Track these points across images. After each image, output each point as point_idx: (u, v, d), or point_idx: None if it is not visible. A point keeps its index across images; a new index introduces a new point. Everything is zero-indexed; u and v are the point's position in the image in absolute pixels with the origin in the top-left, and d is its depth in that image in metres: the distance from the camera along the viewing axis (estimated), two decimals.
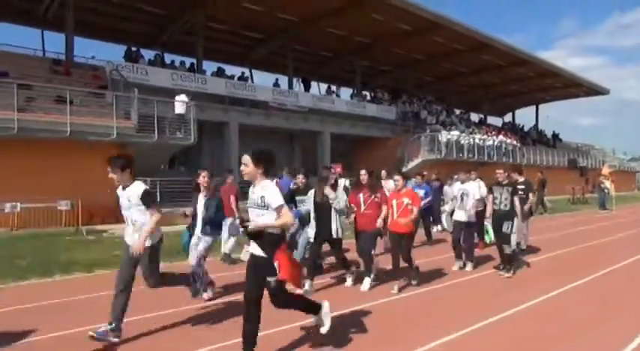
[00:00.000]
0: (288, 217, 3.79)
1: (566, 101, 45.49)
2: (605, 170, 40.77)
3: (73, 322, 4.86)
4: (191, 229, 6.30)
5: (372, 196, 6.65)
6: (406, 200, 6.42)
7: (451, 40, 27.65)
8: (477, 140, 28.74)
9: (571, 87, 39.14)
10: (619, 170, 41.60)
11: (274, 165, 4.04)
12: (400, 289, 6.31)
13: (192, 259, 6.07)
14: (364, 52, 28.67)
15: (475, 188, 8.01)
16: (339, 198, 6.41)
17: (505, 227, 7.27)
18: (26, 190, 12.24)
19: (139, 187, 4.52)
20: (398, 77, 34.10)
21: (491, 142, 29.48)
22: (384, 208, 6.57)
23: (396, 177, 6.62)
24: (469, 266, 7.88)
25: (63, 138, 13.15)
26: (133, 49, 21.05)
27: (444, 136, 26.27)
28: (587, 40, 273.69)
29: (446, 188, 12.21)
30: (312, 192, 6.68)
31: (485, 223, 8.37)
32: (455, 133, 27.98)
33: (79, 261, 8.55)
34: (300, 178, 7.72)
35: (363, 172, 6.86)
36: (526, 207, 8.78)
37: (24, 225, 12.46)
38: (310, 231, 6.60)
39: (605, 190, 21.70)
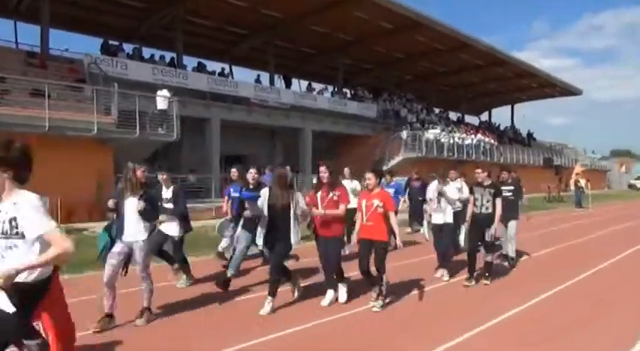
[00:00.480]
0: (60, 243, 2.51)
1: (538, 101, 46.53)
2: (578, 169, 42.02)
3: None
4: (117, 231, 5.09)
5: (330, 194, 5.68)
6: (376, 202, 5.46)
7: (432, 39, 27.84)
8: (456, 139, 29.03)
9: (546, 87, 39.93)
10: (591, 169, 42.71)
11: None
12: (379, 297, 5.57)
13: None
14: (347, 49, 28.63)
15: (454, 190, 7.40)
16: (299, 202, 5.59)
17: (487, 234, 6.68)
18: None
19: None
20: (379, 75, 34.20)
21: (470, 141, 29.82)
22: (342, 207, 5.66)
23: (368, 175, 5.64)
24: (442, 273, 7.19)
25: (41, 133, 12.68)
26: (111, 42, 20.47)
27: (425, 134, 26.43)
28: (559, 41, 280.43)
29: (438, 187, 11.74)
30: (265, 191, 5.73)
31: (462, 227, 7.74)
32: (435, 131, 28.23)
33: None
34: (253, 174, 6.79)
35: (322, 168, 5.79)
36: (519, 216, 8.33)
37: None
38: (259, 239, 5.71)
39: (581, 189, 22.17)
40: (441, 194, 7.12)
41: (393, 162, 25.56)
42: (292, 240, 5.47)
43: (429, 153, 26.23)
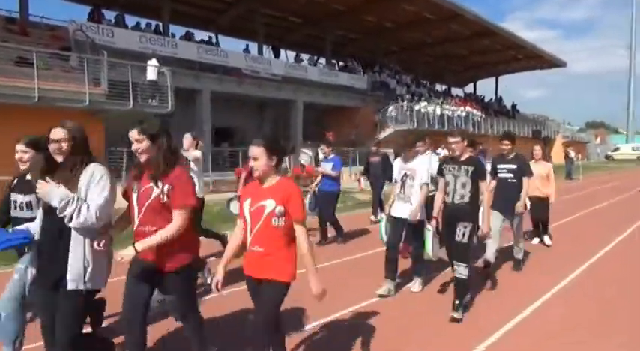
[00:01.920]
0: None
1: (515, 74, 46.69)
2: (559, 140, 42.57)
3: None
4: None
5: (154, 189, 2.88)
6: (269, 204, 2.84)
7: (423, 8, 27.31)
8: (446, 111, 28.93)
9: (532, 59, 39.93)
10: (572, 141, 43.31)
11: None
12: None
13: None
14: (336, 18, 27.87)
15: (424, 167, 5.14)
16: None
17: (460, 233, 4.47)
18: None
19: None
20: (366, 46, 33.60)
21: (459, 113, 29.77)
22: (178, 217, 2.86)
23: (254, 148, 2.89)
24: (416, 285, 5.33)
25: (31, 104, 11.97)
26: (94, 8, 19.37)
27: (416, 106, 26.23)
28: (539, 12, 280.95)
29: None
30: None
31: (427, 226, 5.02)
32: (425, 103, 28.04)
33: None
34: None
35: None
36: (519, 204, 5.93)
37: None
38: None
39: (572, 160, 22.42)
40: (406, 175, 5.17)
41: (384, 134, 25.34)
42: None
43: (420, 125, 26.03)
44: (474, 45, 34.94)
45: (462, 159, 4.59)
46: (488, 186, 5.13)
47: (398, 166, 5.38)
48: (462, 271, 4.51)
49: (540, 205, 7.42)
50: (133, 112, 14.23)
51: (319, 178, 8.29)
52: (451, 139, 4.56)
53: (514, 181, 5.93)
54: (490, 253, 5.75)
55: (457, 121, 29.22)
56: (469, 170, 4.53)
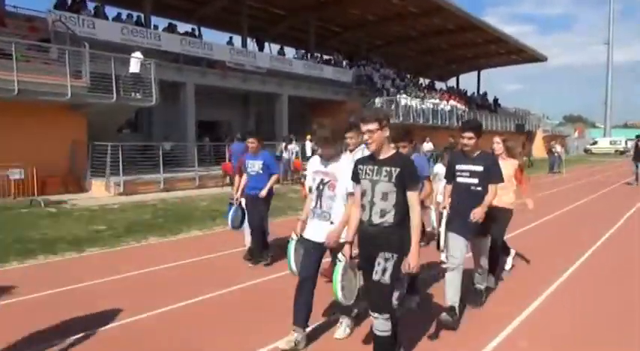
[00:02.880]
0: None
1: (496, 68, 47.15)
2: (540, 134, 43.14)
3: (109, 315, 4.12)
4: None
5: None
6: None
7: (406, 1, 27.24)
8: (430, 105, 29.02)
9: (513, 53, 40.31)
10: (552, 134, 43.94)
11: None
12: None
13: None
14: (319, 10, 27.64)
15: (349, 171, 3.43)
16: None
17: (379, 268, 3.07)
18: None
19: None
20: (350, 40, 33.48)
21: (443, 107, 29.89)
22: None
23: None
24: (341, 329, 3.83)
25: (10, 98, 11.53)
26: None
27: (402, 100, 26.22)
28: (517, 8, 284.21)
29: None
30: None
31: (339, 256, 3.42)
32: (410, 97, 28.07)
33: (59, 238, 7.55)
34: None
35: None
36: (476, 211, 3.99)
37: None
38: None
39: (556, 154, 22.69)
40: (323, 182, 3.65)
41: None
42: None
43: (405, 119, 26.04)
44: (457, 39, 35.12)
45: (383, 157, 3.13)
46: (429, 194, 4.52)
47: (312, 167, 3.78)
48: (380, 326, 3.06)
49: (497, 218, 4.64)
50: (116, 105, 13.87)
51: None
52: (364, 127, 3.08)
53: (479, 188, 4.16)
54: (452, 295, 4.03)
55: (442, 114, 29.31)
56: (393, 173, 3.07)
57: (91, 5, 19.78)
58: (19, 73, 11.84)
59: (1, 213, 10.01)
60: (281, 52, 27.10)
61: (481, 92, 44.68)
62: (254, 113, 26.19)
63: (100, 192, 13.22)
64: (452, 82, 45.95)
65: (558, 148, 23.01)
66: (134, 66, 15.11)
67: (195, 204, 12.14)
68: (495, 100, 44.03)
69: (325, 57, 30.33)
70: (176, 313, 4.36)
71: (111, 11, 20.69)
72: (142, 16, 20.58)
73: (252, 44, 26.11)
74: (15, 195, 11.51)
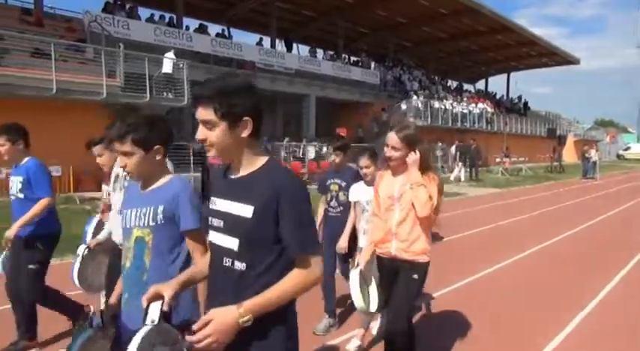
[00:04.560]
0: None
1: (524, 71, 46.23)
2: (571, 139, 42.17)
3: None
4: None
5: None
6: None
7: (436, 2, 26.96)
8: (459, 107, 28.70)
9: (545, 56, 39.48)
10: (583, 139, 42.90)
11: None
12: None
13: None
14: (347, 12, 27.59)
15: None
16: None
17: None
18: None
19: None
20: (377, 41, 33.30)
21: (472, 109, 29.53)
22: None
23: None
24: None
25: (49, 96, 11.83)
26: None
27: (432, 102, 26.03)
28: (548, 10, 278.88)
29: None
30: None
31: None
32: (438, 100, 27.81)
33: None
34: None
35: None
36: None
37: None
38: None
39: (591, 159, 22.15)
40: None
41: None
42: None
43: (433, 122, 25.79)
44: (487, 40, 34.54)
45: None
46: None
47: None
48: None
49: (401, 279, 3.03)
50: (149, 105, 14.07)
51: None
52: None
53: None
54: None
55: (471, 117, 28.96)
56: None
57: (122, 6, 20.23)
58: (56, 73, 12.14)
59: None
60: (313, 54, 27.07)
61: (514, 95, 44.01)
62: (281, 114, 26.32)
63: None
64: (480, 84, 45.38)
65: (593, 153, 22.42)
66: (167, 66, 15.34)
67: None
68: (525, 104, 43.23)
69: (353, 58, 30.28)
70: None
71: (144, 12, 21.12)
72: (174, 17, 20.92)
73: (280, 45, 26.24)
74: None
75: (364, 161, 3.71)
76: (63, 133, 12.43)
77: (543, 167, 28.71)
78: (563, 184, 19.98)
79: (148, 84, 13.80)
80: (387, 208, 2.98)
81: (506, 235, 8.37)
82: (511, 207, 12.54)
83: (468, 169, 20.20)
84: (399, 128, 2.91)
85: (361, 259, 3.11)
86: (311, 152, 19.83)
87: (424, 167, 2.87)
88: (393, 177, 3.00)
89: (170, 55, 15.39)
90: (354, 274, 3.06)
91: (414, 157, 2.83)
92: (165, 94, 15.05)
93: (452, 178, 19.62)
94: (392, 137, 2.87)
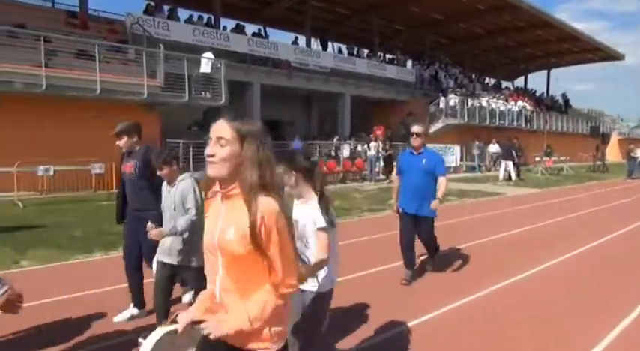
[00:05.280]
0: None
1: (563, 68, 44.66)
2: (615, 138, 40.66)
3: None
4: None
5: None
6: None
7: None
8: (500, 105, 28.13)
9: (588, 52, 38.21)
10: (628, 138, 41.31)
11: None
12: None
13: None
14: (383, 9, 27.40)
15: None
16: None
17: None
18: (56, 151, 11.43)
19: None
20: (413, 39, 32.95)
21: (511, 107, 28.88)
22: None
23: None
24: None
25: (93, 96, 12.26)
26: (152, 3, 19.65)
27: (469, 100, 25.62)
28: (589, 3, 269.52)
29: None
30: None
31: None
32: (475, 97, 27.32)
33: None
34: None
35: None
36: None
37: (53, 189, 11.72)
38: None
39: (637, 159, 21.33)
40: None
41: (433, 128, 24.83)
42: None
43: (470, 120, 25.35)
44: (526, 36, 33.68)
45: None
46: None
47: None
48: None
49: None
50: (188, 104, 14.40)
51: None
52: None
53: None
54: None
55: (509, 115, 28.34)
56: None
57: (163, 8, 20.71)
58: (100, 74, 12.56)
59: (84, 205, 10.68)
60: (348, 52, 27.01)
61: (554, 92, 42.79)
62: (316, 113, 26.42)
63: None
64: (519, 81, 44.28)
65: (638, 152, 21.57)
66: (205, 66, 15.62)
67: None
68: (566, 101, 41.93)
69: (388, 56, 30.07)
70: None
71: (183, 13, 21.57)
72: (212, 17, 21.27)
73: (315, 44, 26.33)
74: (95, 188, 12.19)
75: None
76: (105, 132, 12.85)
77: (585, 167, 27.80)
78: (607, 184, 19.29)
79: (187, 84, 14.06)
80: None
81: (548, 236, 8.16)
82: (552, 207, 12.21)
83: (516, 168, 19.54)
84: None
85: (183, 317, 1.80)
86: (346, 151, 19.84)
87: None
88: None
89: (208, 54, 15.67)
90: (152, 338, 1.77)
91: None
92: (203, 93, 15.33)
93: (500, 177, 19.00)
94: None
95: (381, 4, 26.70)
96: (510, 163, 19.16)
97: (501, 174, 19.26)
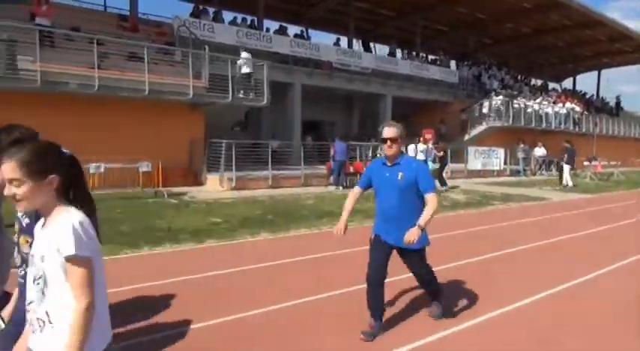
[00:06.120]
0: None
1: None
2: None
3: (236, 306, 4.36)
4: None
5: None
6: None
7: None
8: (544, 107, 27.29)
9: None
10: None
11: None
12: None
13: None
14: (427, 10, 27.09)
15: None
16: None
17: None
18: (107, 149, 11.89)
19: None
20: (456, 39, 32.42)
21: (559, 109, 27.96)
22: None
23: None
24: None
25: (141, 97, 12.69)
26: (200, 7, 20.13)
27: (513, 102, 24.99)
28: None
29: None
30: None
31: None
32: (521, 99, 26.59)
33: (181, 228, 8.14)
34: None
35: None
36: None
37: (102, 185, 12.17)
38: None
39: None
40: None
41: (475, 131, 24.40)
42: None
43: (515, 122, 24.69)
44: (574, 36, 32.56)
45: None
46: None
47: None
48: None
49: None
50: (231, 104, 14.67)
51: None
52: None
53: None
54: None
55: (557, 117, 27.43)
56: None
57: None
58: (148, 75, 13.00)
59: (132, 202, 11.07)
60: (392, 53, 26.81)
61: (609, 94, 41.22)
62: (357, 114, 26.37)
63: (214, 186, 14.06)
64: (568, 83, 42.82)
65: None
66: (245, 67, 15.85)
67: (302, 202, 12.45)
68: (618, 103, 40.22)
69: (431, 57, 29.69)
70: (289, 311, 4.48)
71: (227, 16, 21.97)
72: (256, 19, 21.61)
73: (357, 45, 26.30)
74: (142, 186, 12.60)
75: None
76: (152, 131, 13.32)
77: (637, 172, 26.60)
78: None
79: (230, 84, 14.33)
80: None
81: (600, 243, 7.86)
82: (604, 213, 11.74)
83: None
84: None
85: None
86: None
87: None
88: None
89: (244, 54, 15.85)
90: None
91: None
92: (243, 93, 15.52)
93: (569, 183, 17.98)
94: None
95: (424, 4, 26.41)
96: (568, 168, 18.19)
97: (569, 179, 18.12)
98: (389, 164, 3.85)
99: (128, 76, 12.69)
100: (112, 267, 5.85)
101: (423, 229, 3.61)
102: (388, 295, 4.22)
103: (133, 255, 6.47)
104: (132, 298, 4.58)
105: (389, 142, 3.77)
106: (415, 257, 3.92)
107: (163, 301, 4.50)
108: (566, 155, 18.26)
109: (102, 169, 11.31)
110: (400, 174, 3.76)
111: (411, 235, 3.53)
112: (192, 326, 3.93)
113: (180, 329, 3.85)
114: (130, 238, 7.28)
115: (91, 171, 11.08)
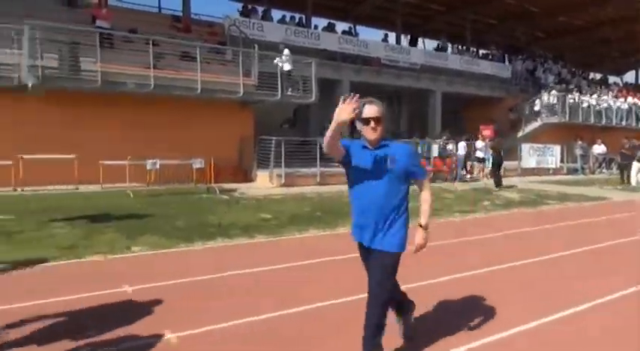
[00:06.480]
0: None
1: None
2: None
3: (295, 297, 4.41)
4: None
5: None
6: None
7: None
8: (606, 102, 26.01)
9: None
10: None
11: None
12: None
13: None
14: (476, 4, 26.37)
15: None
16: None
17: None
18: (162, 147, 12.33)
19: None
20: (507, 32, 31.37)
21: (620, 105, 26.56)
22: None
23: None
24: None
25: (194, 95, 13.05)
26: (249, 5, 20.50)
27: (569, 97, 23.96)
28: None
29: None
30: None
31: None
32: (579, 94, 25.46)
33: (232, 224, 8.31)
34: None
35: None
36: None
37: (158, 181, 12.61)
38: None
39: None
40: None
41: (530, 127, 23.56)
42: None
43: (572, 118, 23.67)
44: (636, 27, 30.73)
45: None
46: None
47: None
48: None
49: None
50: (280, 102, 14.83)
51: None
52: None
53: None
54: None
55: (618, 113, 26.08)
56: None
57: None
58: (201, 73, 13.35)
59: (186, 197, 11.41)
60: (444, 48, 26.30)
61: None
62: (406, 110, 26.06)
63: (264, 182, 14.28)
64: (629, 76, 40.58)
65: None
66: (286, 65, 15.90)
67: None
68: None
69: (482, 51, 28.91)
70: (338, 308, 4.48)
71: (276, 14, 22.23)
72: (304, 17, 21.74)
73: (405, 40, 25.99)
74: (195, 182, 12.95)
75: None
76: (205, 129, 13.68)
77: None
78: None
79: (279, 82, 14.49)
80: None
81: None
82: None
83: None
84: None
85: None
86: (436, 150, 19.32)
87: None
88: None
89: (285, 51, 15.92)
90: None
91: None
92: (291, 90, 15.62)
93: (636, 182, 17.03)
94: None
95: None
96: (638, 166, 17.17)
97: (635, 178, 17.12)
98: (371, 147, 3.12)
99: (182, 75, 13.06)
100: (173, 259, 6.06)
101: (427, 232, 3.15)
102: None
103: (186, 249, 6.67)
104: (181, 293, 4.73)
105: (373, 123, 3.08)
106: (384, 262, 3.11)
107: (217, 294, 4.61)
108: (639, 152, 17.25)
109: (157, 166, 11.71)
110: (389, 158, 3.09)
111: (421, 240, 3.14)
112: (248, 319, 4.00)
113: (237, 321, 3.93)
114: (185, 233, 7.50)
115: (148, 167, 11.50)
